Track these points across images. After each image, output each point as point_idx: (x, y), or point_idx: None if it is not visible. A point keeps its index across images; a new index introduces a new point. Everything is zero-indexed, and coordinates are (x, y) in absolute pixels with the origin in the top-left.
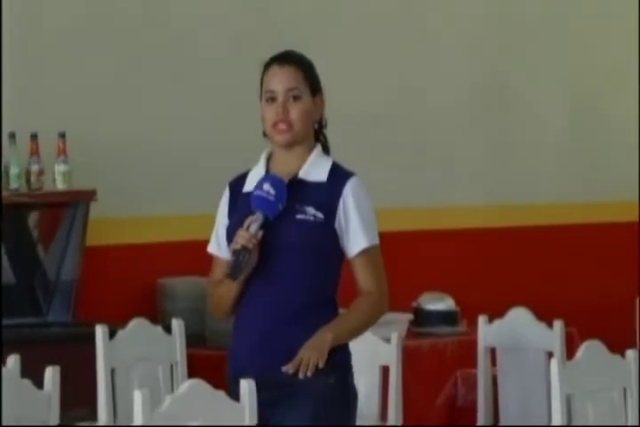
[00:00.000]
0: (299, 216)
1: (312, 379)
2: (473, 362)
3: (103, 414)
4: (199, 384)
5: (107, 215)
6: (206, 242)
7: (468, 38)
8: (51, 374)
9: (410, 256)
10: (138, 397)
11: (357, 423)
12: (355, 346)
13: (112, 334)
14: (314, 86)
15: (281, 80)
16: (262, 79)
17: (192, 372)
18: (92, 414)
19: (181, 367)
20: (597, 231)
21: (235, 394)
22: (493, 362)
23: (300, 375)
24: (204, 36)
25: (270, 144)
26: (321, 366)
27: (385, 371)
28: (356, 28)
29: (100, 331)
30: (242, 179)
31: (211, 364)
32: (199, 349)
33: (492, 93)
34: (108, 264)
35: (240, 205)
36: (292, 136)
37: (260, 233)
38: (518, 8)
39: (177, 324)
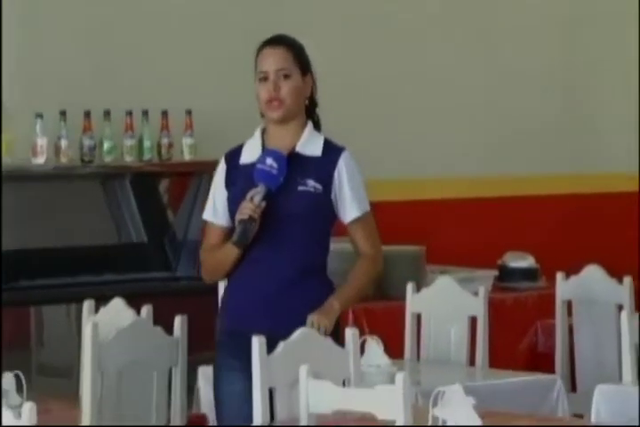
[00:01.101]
0: (300, 188)
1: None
2: (551, 313)
3: None
4: (309, 332)
5: None
6: None
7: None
8: (179, 322)
9: (497, 220)
10: (255, 343)
11: (448, 368)
12: (446, 299)
13: None
14: (304, 67)
15: (273, 61)
16: (256, 61)
17: None
18: (214, 358)
19: None
20: None
21: (227, 346)
22: (570, 313)
23: None
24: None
25: (264, 120)
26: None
27: (473, 321)
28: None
29: (222, 284)
30: (237, 151)
31: None
32: None
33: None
34: None
35: (238, 177)
36: (284, 112)
37: (264, 204)
38: None
39: None
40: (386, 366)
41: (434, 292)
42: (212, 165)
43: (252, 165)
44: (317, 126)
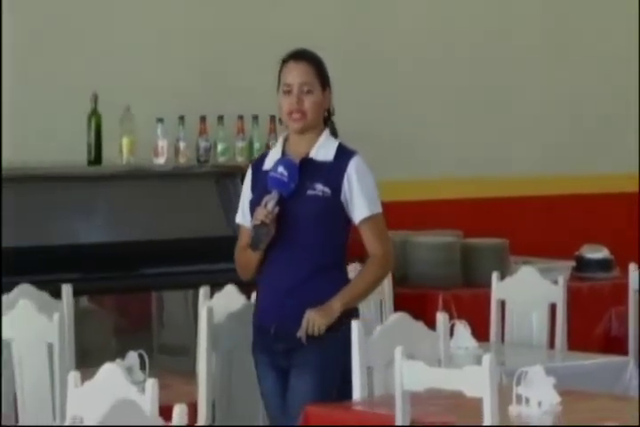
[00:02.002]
0: (309, 192)
1: (322, 334)
2: (625, 301)
3: None
4: (403, 317)
5: None
6: (406, 204)
7: None
8: None
9: (574, 216)
10: (355, 326)
11: (530, 350)
12: (528, 287)
13: None
14: (324, 81)
15: (296, 75)
16: (280, 73)
17: (397, 306)
18: None
19: (389, 303)
20: None
21: (256, 342)
22: None
23: (300, 333)
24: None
25: (286, 129)
26: (322, 331)
27: (552, 308)
28: None
29: None
30: (262, 158)
31: (412, 300)
32: (403, 287)
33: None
34: None
35: (260, 183)
36: (304, 124)
37: (277, 209)
38: None
39: None
40: (473, 348)
41: (517, 280)
42: None
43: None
44: (334, 133)
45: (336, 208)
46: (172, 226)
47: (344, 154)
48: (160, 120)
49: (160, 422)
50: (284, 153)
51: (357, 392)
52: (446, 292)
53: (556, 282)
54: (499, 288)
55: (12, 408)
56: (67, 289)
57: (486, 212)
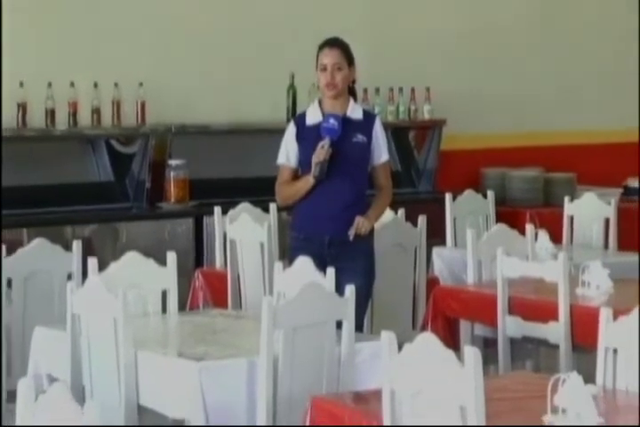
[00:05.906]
0: (354, 140)
1: (362, 242)
2: None
3: (449, 241)
4: (502, 227)
5: (453, 133)
6: (505, 149)
7: None
8: (421, 220)
9: (623, 158)
10: (469, 234)
11: (590, 250)
12: (589, 206)
13: (454, 198)
14: (350, 60)
15: (331, 58)
16: (318, 55)
17: (497, 220)
18: (443, 242)
19: (492, 217)
20: None
21: (302, 249)
22: None
23: (351, 233)
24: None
25: (320, 94)
26: (367, 231)
27: (607, 221)
28: None
29: (447, 196)
30: (302, 116)
31: (508, 216)
32: (501, 207)
33: None
34: (455, 160)
35: (307, 135)
36: (336, 92)
37: (330, 150)
38: None
39: (490, 193)
40: (551, 249)
41: (581, 202)
42: (442, 122)
43: (316, 126)
44: (355, 97)
45: (369, 152)
46: None
47: (369, 115)
48: None
49: (336, 297)
50: (322, 112)
51: (470, 278)
52: (532, 210)
53: (609, 203)
54: (569, 207)
55: (237, 286)
56: (273, 207)
57: (561, 154)
